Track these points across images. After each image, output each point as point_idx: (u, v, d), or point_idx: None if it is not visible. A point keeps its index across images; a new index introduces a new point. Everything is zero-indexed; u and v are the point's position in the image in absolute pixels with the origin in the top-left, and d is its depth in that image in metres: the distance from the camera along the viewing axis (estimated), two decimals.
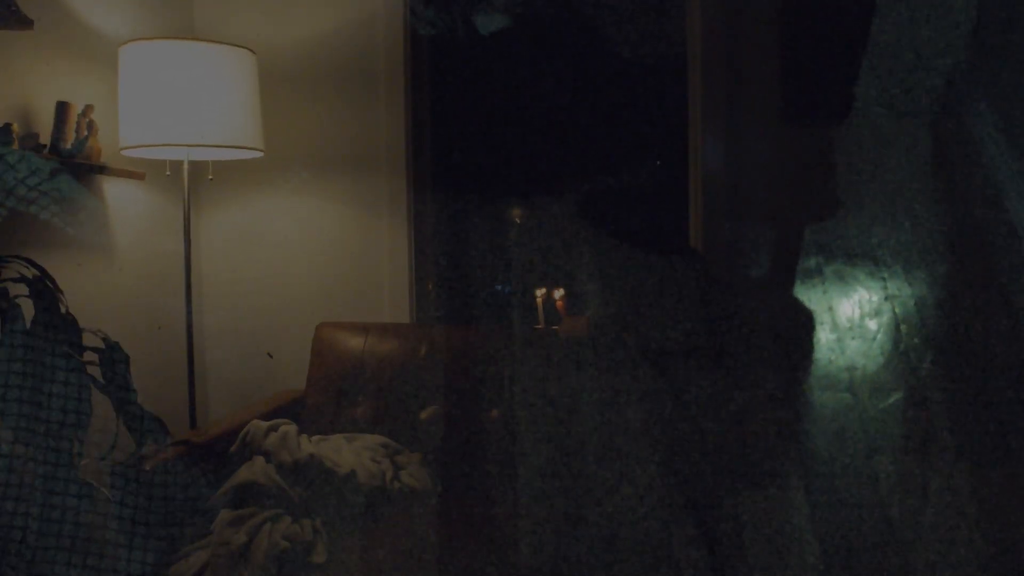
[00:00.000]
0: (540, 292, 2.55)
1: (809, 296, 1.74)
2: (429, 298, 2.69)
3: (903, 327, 1.59)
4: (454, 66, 2.75)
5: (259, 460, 1.95)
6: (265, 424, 2.03)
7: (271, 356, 2.62)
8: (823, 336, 1.70)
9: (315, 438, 2.10)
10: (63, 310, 1.66)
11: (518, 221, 2.88)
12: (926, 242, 1.58)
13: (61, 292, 1.67)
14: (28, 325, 1.60)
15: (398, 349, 2.32)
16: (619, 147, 2.78)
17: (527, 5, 2.75)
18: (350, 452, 2.02)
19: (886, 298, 1.62)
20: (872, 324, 1.64)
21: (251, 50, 2.23)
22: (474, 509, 1.99)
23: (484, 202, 2.78)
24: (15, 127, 1.82)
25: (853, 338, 1.66)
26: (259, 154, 2.32)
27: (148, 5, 2.42)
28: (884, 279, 1.62)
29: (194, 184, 2.53)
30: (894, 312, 1.60)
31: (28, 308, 1.62)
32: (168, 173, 2.38)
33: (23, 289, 1.63)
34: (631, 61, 2.72)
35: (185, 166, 2.25)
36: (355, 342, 2.35)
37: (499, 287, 2.68)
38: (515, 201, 2.89)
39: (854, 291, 1.68)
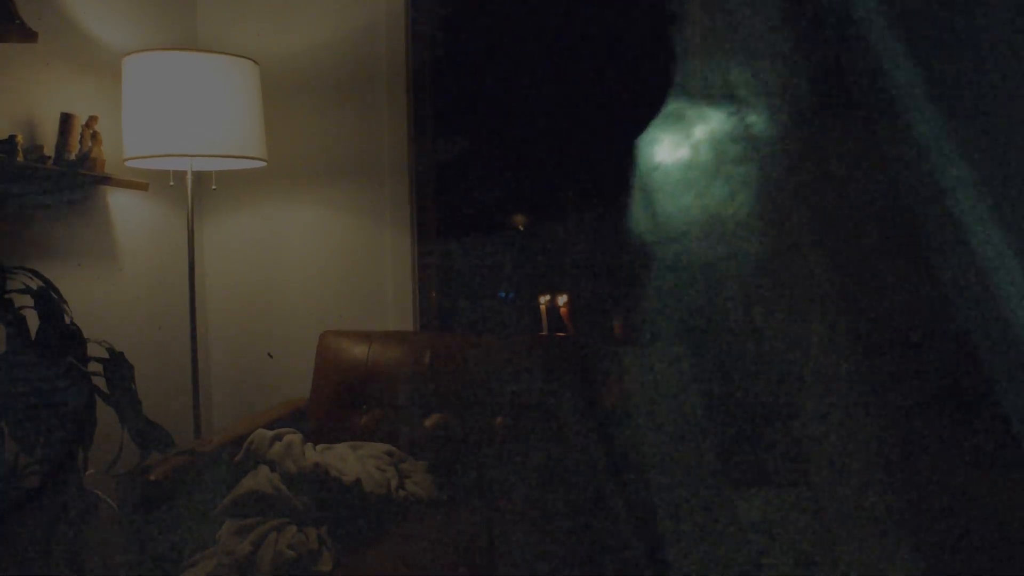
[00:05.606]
0: (544, 299, 2.55)
1: (673, 139, 1.66)
2: (432, 305, 2.69)
3: (769, 172, 1.53)
4: (456, 74, 2.76)
5: (264, 469, 1.94)
6: (270, 433, 2.03)
7: (271, 356, 2.62)
8: (691, 181, 1.63)
9: (320, 447, 2.10)
10: (68, 321, 1.66)
11: (520, 228, 2.88)
12: (787, 79, 1.52)
13: (66, 303, 1.68)
14: (33, 336, 1.60)
15: (402, 357, 2.32)
16: (622, 152, 2.79)
17: (529, 13, 2.76)
18: (355, 460, 2.02)
19: (749, 140, 1.55)
20: (738, 169, 1.56)
21: (254, 60, 2.24)
22: (479, 517, 1.98)
23: (487, 209, 2.79)
24: (19, 138, 1.83)
25: (719, 184, 1.58)
26: (262, 163, 2.33)
27: (151, 16, 2.43)
28: (745, 118, 1.55)
29: (198, 194, 2.54)
30: (759, 155, 1.54)
31: (33, 319, 1.63)
32: (172, 183, 2.39)
33: (28, 300, 1.63)
34: (632, 65, 2.73)
35: (189, 176, 2.26)
36: (359, 350, 2.35)
37: (502, 294, 2.68)
38: (518, 207, 2.90)
39: (716, 132, 1.60)
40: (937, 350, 1.34)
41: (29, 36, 1.83)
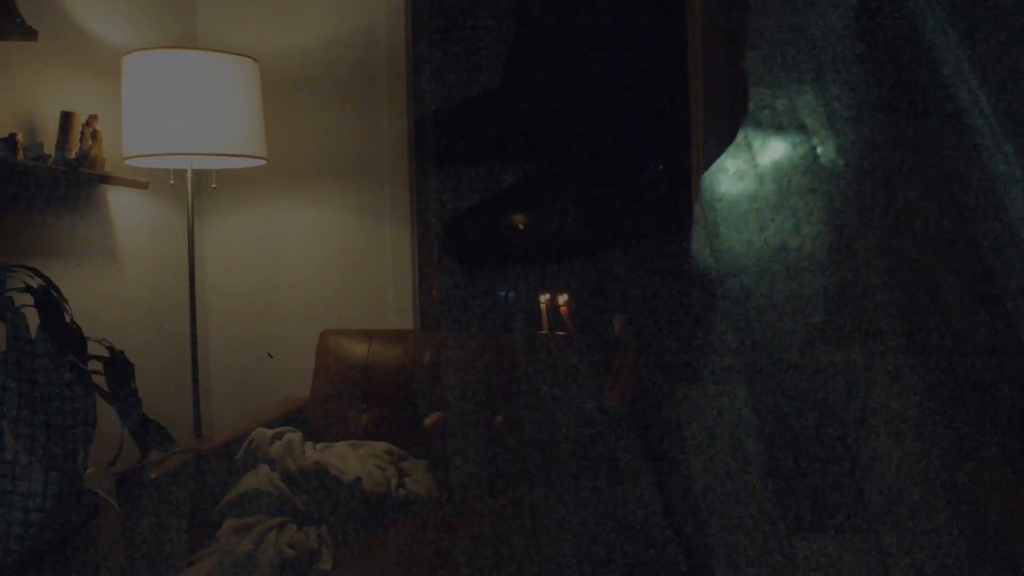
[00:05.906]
0: (544, 298, 2.55)
1: (738, 167, 1.61)
2: (432, 305, 2.69)
3: (837, 203, 1.49)
4: (456, 73, 2.76)
5: (264, 468, 1.95)
6: (270, 432, 2.03)
7: (271, 356, 2.62)
8: (755, 214, 1.57)
9: (320, 445, 2.10)
10: (68, 319, 1.66)
11: (521, 227, 2.89)
12: (856, 106, 1.47)
13: (66, 301, 1.68)
14: (33, 335, 1.60)
15: (402, 356, 2.32)
16: (622, 152, 2.79)
17: (529, 10, 2.76)
18: (355, 459, 2.02)
19: (818, 170, 1.50)
20: (803, 201, 1.51)
21: (254, 59, 2.23)
22: (479, 515, 1.98)
23: (487, 209, 2.79)
24: (20, 137, 1.83)
25: (784, 217, 1.53)
26: (262, 162, 2.33)
27: (151, 15, 2.43)
28: (814, 148, 1.50)
29: (198, 192, 2.54)
30: (828, 185, 1.49)
31: (33, 317, 1.63)
32: (172, 182, 2.39)
33: (28, 299, 1.63)
34: (633, 65, 2.73)
35: (189, 175, 2.26)
36: (359, 349, 2.35)
37: (502, 293, 2.68)
38: (518, 207, 2.90)
39: (783, 163, 1.54)
40: (1014, 391, 1.30)
41: (29, 35, 1.82)
